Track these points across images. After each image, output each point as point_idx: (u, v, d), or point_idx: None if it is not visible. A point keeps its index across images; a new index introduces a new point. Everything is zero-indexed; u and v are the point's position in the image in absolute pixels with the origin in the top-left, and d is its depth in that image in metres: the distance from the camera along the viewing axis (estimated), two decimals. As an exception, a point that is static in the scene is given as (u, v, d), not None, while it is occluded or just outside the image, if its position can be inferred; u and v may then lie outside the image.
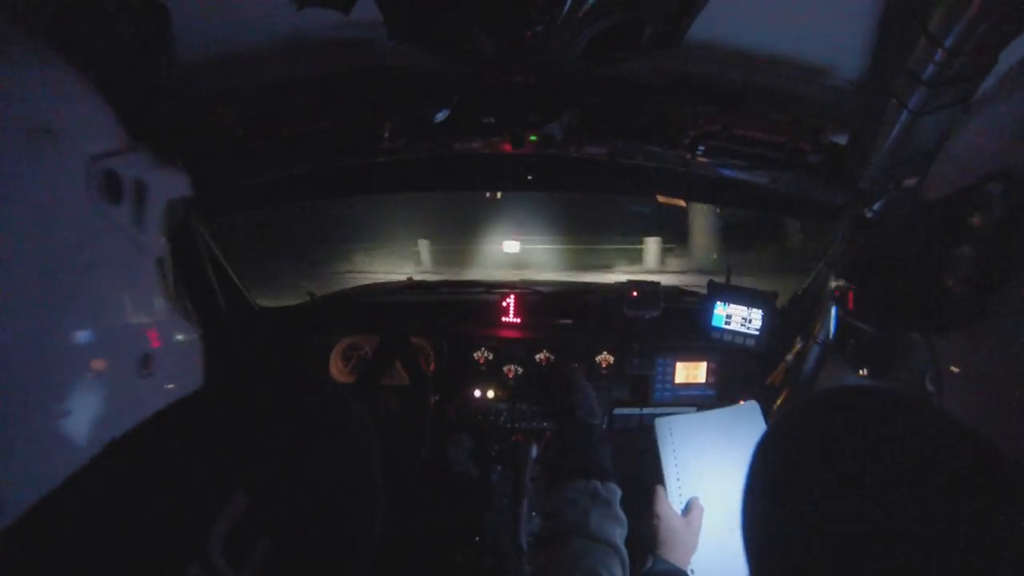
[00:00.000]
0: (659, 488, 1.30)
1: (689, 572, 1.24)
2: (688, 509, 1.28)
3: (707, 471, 1.38)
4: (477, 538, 1.64)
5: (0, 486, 0.55)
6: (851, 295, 1.21)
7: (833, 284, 1.38)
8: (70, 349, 0.65)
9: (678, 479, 1.38)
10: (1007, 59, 0.78)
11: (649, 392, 1.78)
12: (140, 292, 0.79)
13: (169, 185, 0.85)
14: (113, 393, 0.68)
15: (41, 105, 0.66)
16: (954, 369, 0.83)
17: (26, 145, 0.62)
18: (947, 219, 0.79)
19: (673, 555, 1.18)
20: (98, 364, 0.67)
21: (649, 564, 1.17)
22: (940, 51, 0.75)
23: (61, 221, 0.65)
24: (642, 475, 1.42)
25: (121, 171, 0.74)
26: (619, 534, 0.98)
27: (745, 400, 1.61)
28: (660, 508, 1.24)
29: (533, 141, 1.39)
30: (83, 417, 0.63)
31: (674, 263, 10.20)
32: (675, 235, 10.38)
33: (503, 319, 1.85)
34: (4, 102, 0.62)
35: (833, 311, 1.47)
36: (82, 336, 0.66)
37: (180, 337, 0.86)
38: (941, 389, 0.84)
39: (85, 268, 0.68)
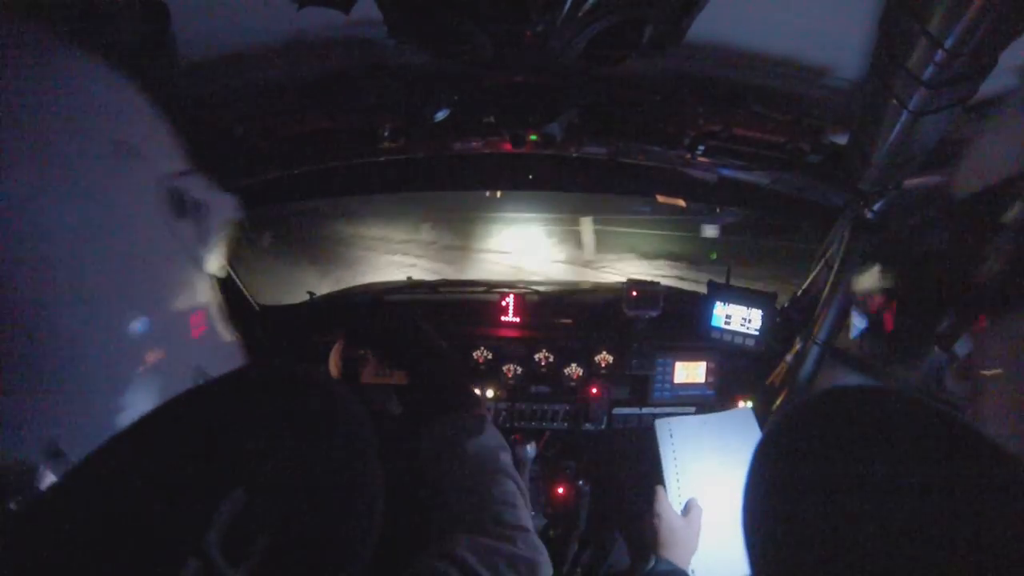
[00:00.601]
0: (659, 488, 1.30)
1: (690, 572, 1.24)
2: (688, 509, 1.29)
3: (707, 472, 1.39)
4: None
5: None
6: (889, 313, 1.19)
7: (859, 290, 1.37)
8: (132, 360, 0.68)
9: (678, 480, 1.38)
10: (1007, 59, 0.78)
11: (648, 392, 1.78)
12: (200, 306, 0.83)
13: (223, 207, 0.90)
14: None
15: (126, 125, 0.71)
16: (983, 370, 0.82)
17: (112, 159, 0.66)
18: (981, 214, 0.81)
19: (673, 555, 1.19)
20: (157, 374, 0.70)
21: (651, 564, 1.17)
22: (940, 52, 0.75)
23: (136, 236, 0.69)
24: (643, 475, 1.43)
25: (185, 190, 0.78)
26: None
27: (744, 400, 1.61)
28: (661, 508, 1.24)
29: (533, 141, 1.39)
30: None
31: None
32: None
33: (503, 318, 1.85)
34: (96, 118, 0.67)
35: (833, 310, 1.47)
36: (143, 347, 0.69)
37: (228, 349, 0.91)
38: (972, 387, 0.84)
39: (154, 280, 0.72)
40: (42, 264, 0.60)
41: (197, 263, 0.81)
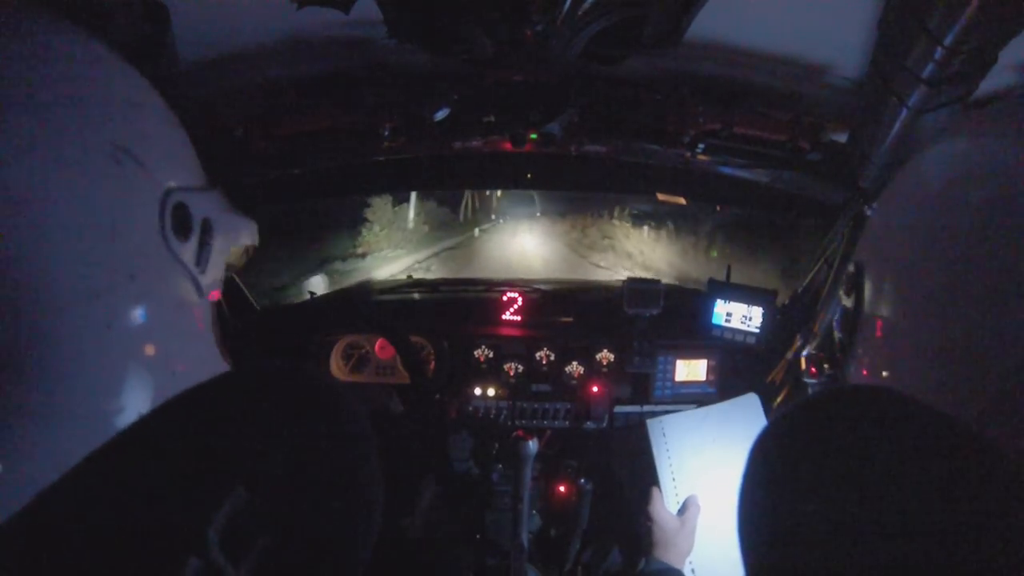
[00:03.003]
0: (654, 490, 1.30)
1: (689, 571, 1.25)
2: (684, 508, 1.29)
3: (706, 468, 1.38)
4: (478, 536, 1.64)
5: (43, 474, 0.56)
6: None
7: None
8: (106, 378, 0.64)
9: (673, 479, 1.38)
10: (1007, 57, 0.78)
11: (650, 390, 1.78)
12: (189, 331, 0.78)
13: (236, 230, 0.86)
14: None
15: (129, 130, 0.67)
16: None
17: (107, 162, 0.63)
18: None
19: (668, 556, 1.19)
20: (132, 399, 0.66)
21: (642, 565, 1.17)
22: (940, 49, 0.75)
23: (126, 243, 0.65)
24: (639, 475, 1.43)
25: (193, 207, 0.74)
26: None
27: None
28: (654, 510, 1.25)
29: (533, 140, 1.39)
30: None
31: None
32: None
33: (503, 317, 1.85)
34: (93, 118, 0.63)
35: (834, 308, 1.47)
36: (120, 367, 0.65)
37: (215, 362, 0.86)
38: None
39: (140, 297, 0.67)
40: (35, 263, 0.57)
41: (198, 290, 0.78)
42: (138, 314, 0.67)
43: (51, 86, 0.60)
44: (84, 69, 0.65)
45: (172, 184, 0.72)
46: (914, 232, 0.81)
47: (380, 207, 8.25)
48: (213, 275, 0.81)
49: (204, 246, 0.77)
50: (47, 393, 0.59)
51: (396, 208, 8.73)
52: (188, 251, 0.75)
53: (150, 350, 0.69)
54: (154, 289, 0.69)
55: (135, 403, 0.66)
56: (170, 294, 0.73)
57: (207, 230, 0.78)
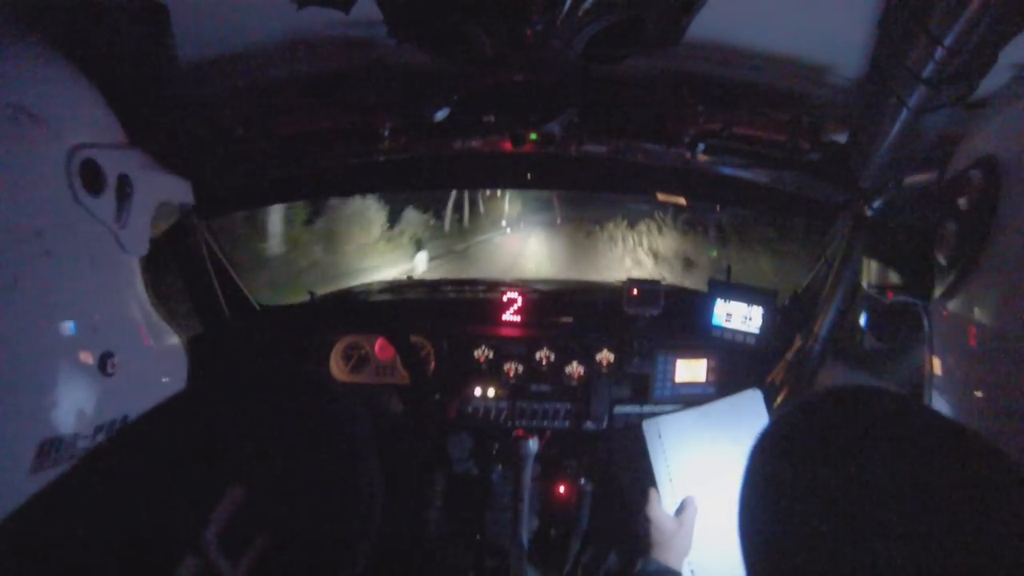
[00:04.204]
0: (651, 491, 1.30)
1: (688, 572, 1.25)
2: (682, 509, 1.28)
3: (703, 468, 1.38)
4: (478, 537, 1.64)
5: None
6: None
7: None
8: (20, 334, 0.62)
9: (671, 480, 1.38)
10: (1006, 57, 0.78)
11: (650, 390, 1.78)
12: (112, 287, 0.76)
13: (163, 187, 0.84)
14: (65, 387, 0.65)
15: (27, 90, 0.65)
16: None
17: (6, 124, 0.61)
18: (939, 200, 0.87)
19: (666, 557, 1.19)
20: (50, 354, 0.65)
21: (639, 566, 1.18)
22: (940, 50, 0.75)
23: (29, 200, 0.64)
24: (640, 475, 1.43)
25: (104, 163, 0.73)
26: None
27: None
28: (651, 512, 1.25)
29: (533, 140, 1.39)
30: (27, 408, 0.61)
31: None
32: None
33: (503, 317, 1.85)
34: None
35: (834, 308, 1.47)
36: (33, 323, 0.64)
37: (152, 341, 0.84)
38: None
39: (49, 252, 0.65)
40: None
41: (121, 247, 0.76)
42: (47, 269, 0.66)
43: None
44: None
45: (79, 140, 0.70)
46: None
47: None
48: (136, 230, 0.79)
49: (123, 201, 0.76)
50: None
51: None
52: (103, 206, 0.74)
53: (64, 303, 0.68)
54: (65, 245, 0.68)
55: (54, 351, 0.65)
56: (85, 250, 0.72)
57: (125, 186, 0.77)
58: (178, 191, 0.88)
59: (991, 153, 0.78)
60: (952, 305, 0.83)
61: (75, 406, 0.64)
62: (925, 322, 0.91)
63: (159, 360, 0.84)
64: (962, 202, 0.81)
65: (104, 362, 0.71)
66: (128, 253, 0.78)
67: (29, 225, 0.63)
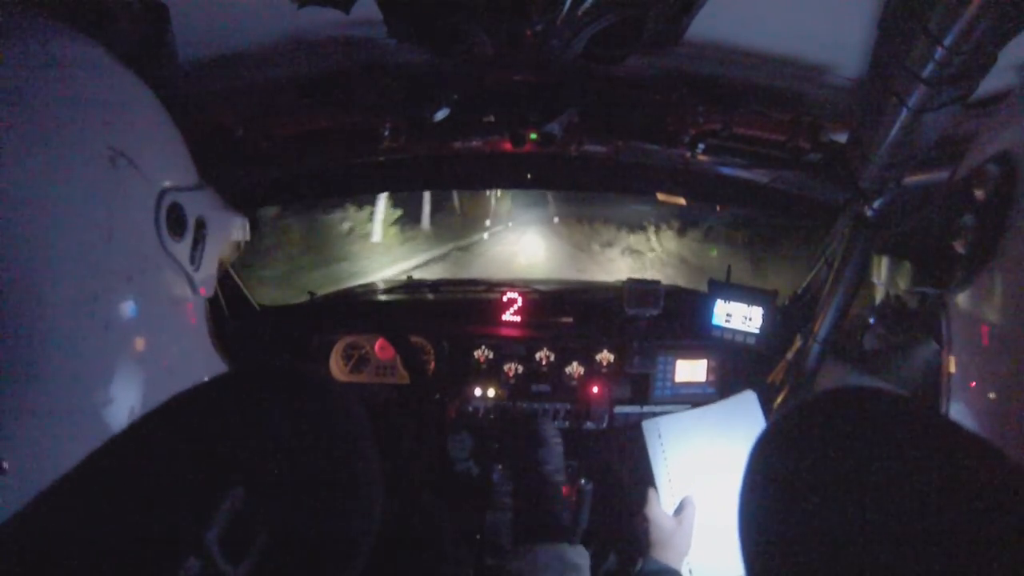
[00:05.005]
0: (651, 491, 1.31)
1: (687, 571, 1.25)
2: (681, 509, 1.29)
3: (702, 467, 1.39)
4: (477, 537, 1.64)
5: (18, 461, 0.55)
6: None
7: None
8: (104, 378, 0.65)
9: (670, 480, 1.38)
10: (1007, 57, 0.78)
11: (650, 390, 1.78)
12: (184, 330, 0.79)
13: (229, 227, 0.87)
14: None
15: (124, 133, 0.68)
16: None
17: (103, 165, 0.63)
18: (956, 194, 0.86)
19: (665, 556, 1.19)
20: (130, 397, 0.67)
21: (639, 566, 1.18)
22: (940, 49, 0.75)
23: (123, 244, 0.66)
24: (640, 475, 1.43)
25: (187, 206, 0.75)
26: None
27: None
28: (650, 511, 1.25)
29: (533, 140, 1.39)
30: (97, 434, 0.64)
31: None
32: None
33: (503, 318, 1.85)
34: (90, 122, 0.64)
35: (834, 308, 1.47)
36: (118, 366, 0.66)
37: (211, 363, 0.87)
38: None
39: (137, 297, 0.67)
40: (33, 266, 0.58)
41: (193, 288, 0.79)
42: (135, 314, 0.67)
43: (48, 90, 0.61)
44: (81, 74, 0.66)
45: (167, 184, 0.72)
46: None
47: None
48: (206, 272, 0.82)
49: (198, 244, 0.79)
50: (46, 394, 0.59)
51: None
52: (182, 250, 0.76)
53: (148, 348, 0.69)
54: (150, 288, 0.70)
55: (132, 400, 0.66)
56: (166, 292, 0.74)
57: (201, 228, 0.79)
58: (240, 230, 0.91)
59: (1006, 149, 0.79)
60: (971, 292, 0.84)
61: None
62: (942, 314, 0.91)
63: None
64: (979, 194, 0.82)
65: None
66: (198, 294, 0.80)
67: (122, 269, 0.65)
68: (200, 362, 0.83)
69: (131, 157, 0.66)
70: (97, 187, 0.63)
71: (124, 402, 0.66)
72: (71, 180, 0.60)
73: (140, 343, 0.68)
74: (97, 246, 0.63)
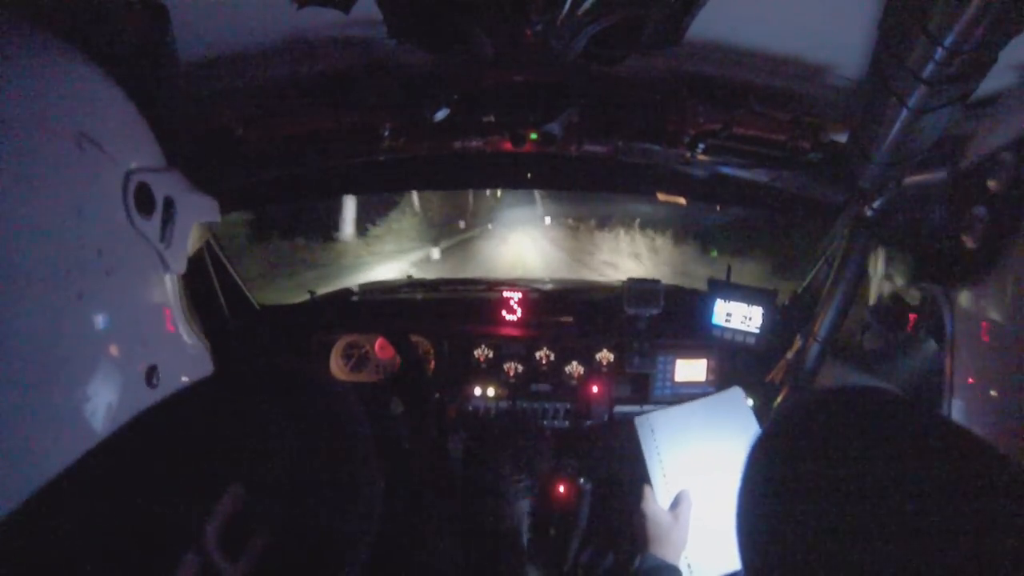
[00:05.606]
0: (646, 487, 1.31)
1: (685, 566, 1.25)
2: (676, 504, 1.29)
3: (695, 462, 1.40)
4: (477, 536, 1.64)
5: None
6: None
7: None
8: (80, 348, 0.66)
9: (664, 476, 1.39)
10: (1007, 57, 0.78)
11: (649, 390, 1.78)
12: (157, 304, 0.81)
13: (198, 208, 0.89)
14: (115, 399, 0.68)
15: (89, 115, 0.70)
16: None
17: (72, 149, 0.65)
18: (968, 185, 0.86)
19: (663, 551, 1.20)
20: (105, 367, 0.68)
21: (638, 562, 1.18)
22: (940, 49, 0.75)
23: (92, 221, 0.68)
24: (637, 472, 1.43)
25: (154, 186, 0.77)
26: None
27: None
28: (646, 507, 1.26)
29: (533, 140, 1.39)
30: (79, 417, 0.64)
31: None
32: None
33: (503, 317, 1.85)
34: (58, 111, 0.66)
35: (834, 308, 1.47)
36: (93, 337, 0.67)
37: (189, 352, 0.88)
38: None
39: (108, 271, 0.69)
40: (6, 241, 0.58)
41: (165, 266, 0.81)
42: (107, 286, 0.70)
43: (14, 84, 0.62)
44: (47, 68, 0.68)
45: (133, 165, 0.75)
46: None
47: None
48: (178, 249, 0.84)
49: (167, 223, 0.81)
50: (21, 360, 0.60)
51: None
52: (152, 227, 0.78)
53: (121, 319, 0.71)
54: (121, 262, 0.72)
55: (106, 367, 0.68)
56: (137, 266, 0.76)
57: (169, 207, 0.81)
58: (210, 211, 0.93)
59: (1020, 137, 0.79)
60: (976, 288, 0.83)
61: (123, 417, 0.67)
62: (945, 310, 0.91)
63: (194, 372, 0.89)
64: (992, 184, 0.81)
65: (151, 375, 0.74)
66: (171, 271, 0.83)
67: (92, 244, 0.67)
68: (174, 335, 0.84)
69: (98, 141, 0.69)
70: (66, 168, 0.65)
71: (99, 370, 0.67)
72: (38, 161, 0.62)
73: (113, 313, 0.70)
74: (68, 222, 0.64)
